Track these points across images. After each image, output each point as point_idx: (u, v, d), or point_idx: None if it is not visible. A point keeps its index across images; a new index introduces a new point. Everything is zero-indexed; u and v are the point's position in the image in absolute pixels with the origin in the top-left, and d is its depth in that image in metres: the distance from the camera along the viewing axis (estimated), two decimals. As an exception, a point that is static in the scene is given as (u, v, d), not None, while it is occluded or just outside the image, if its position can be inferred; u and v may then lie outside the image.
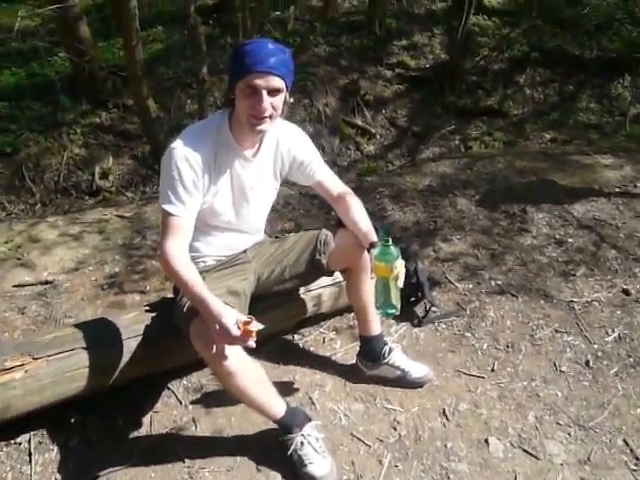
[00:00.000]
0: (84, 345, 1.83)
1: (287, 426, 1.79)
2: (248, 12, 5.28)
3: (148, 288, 2.76)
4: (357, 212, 1.97)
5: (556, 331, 2.46)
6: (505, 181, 3.81)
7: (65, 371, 1.79)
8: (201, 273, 1.90)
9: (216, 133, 1.77)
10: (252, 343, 1.54)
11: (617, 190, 3.69)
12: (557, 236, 3.15)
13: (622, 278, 2.81)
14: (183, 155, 1.69)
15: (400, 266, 1.74)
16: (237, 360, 1.63)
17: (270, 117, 1.68)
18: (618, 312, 2.58)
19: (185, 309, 1.76)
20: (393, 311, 1.80)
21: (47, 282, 2.80)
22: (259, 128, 1.69)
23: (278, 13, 7.14)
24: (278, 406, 1.80)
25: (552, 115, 7.43)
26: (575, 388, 2.16)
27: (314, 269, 2.04)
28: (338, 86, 6.91)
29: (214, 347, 1.59)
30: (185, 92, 6.40)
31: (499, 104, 7.47)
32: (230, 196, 1.86)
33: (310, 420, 1.84)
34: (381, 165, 6.55)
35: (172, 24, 7.10)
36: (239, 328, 1.52)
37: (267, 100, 1.63)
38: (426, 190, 3.70)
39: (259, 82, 1.61)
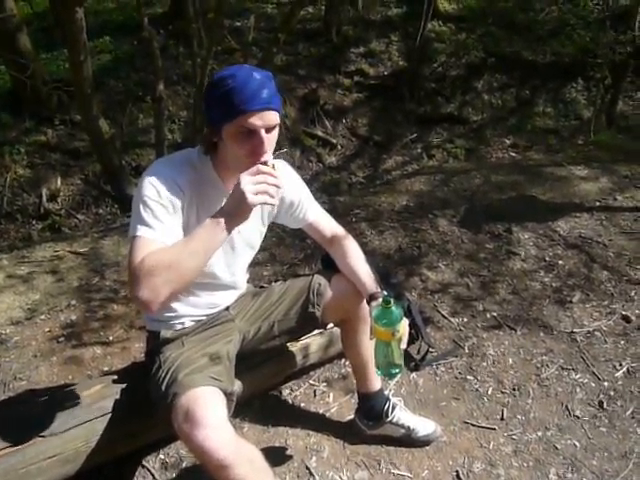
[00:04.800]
0: (40, 433, 1.53)
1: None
2: (202, 22, 5.00)
3: (111, 338, 2.45)
4: (355, 257, 1.73)
5: (562, 368, 2.29)
6: (484, 198, 3.65)
7: (19, 467, 1.48)
8: (179, 337, 1.65)
9: (197, 169, 1.49)
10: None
11: (598, 204, 3.59)
12: (547, 258, 3.00)
13: (619, 303, 2.67)
14: (164, 176, 1.41)
15: (403, 328, 1.51)
16: (232, 449, 1.35)
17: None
18: (622, 342, 2.43)
19: (164, 386, 1.48)
20: (396, 371, 1.57)
21: (-8, 337, 2.46)
22: None
23: (238, 23, 6.85)
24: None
25: (510, 120, 7.43)
26: (593, 436, 1.98)
27: (307, 323, 1.79)
28: (297, 96, 6.69)
29: (205, 435, 1.32)
30: (137, 106, 6.06)
31: (458, 110, 7.42)
32: None
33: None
34: (344, 177, 6.37)
35: (121, 34, 6.72)
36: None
37: (266, 139, 1.37)
38: (404, 211, 3.51)
39: (256, 122, 1.34)
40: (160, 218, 1.37)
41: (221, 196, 1.52)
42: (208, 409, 1.35)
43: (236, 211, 1.31)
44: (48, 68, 6.13)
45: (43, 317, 2.60)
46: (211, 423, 1.33)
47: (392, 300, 1.48)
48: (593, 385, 2.21)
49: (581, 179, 3.98)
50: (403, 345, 1.53)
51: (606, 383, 2.21)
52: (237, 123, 1.34)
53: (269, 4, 7.83)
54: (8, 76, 5.80)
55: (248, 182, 1.29)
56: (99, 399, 1.65)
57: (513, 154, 6.75)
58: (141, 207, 1.37)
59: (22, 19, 5.72)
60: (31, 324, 2.56)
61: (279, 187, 1.34)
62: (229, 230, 1.32)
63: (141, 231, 1.35)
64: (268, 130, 1.37)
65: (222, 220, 1.31)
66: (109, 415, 1.63)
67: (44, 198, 5.40)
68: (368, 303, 1.65)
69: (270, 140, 1.39)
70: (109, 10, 7.38)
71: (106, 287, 2.81)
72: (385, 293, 1.59)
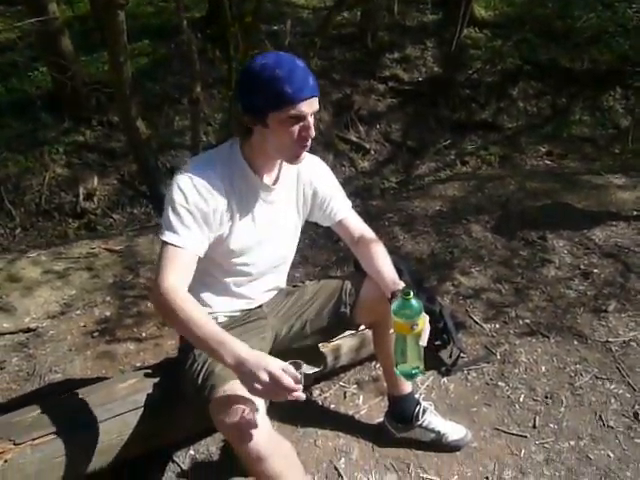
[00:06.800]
0: (76, 424, 1.56)
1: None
2: (239, 26, 5.05)
3: (144, 335, 2.49)
4: (379, 259, 1.72)
5: (596, 377, 2.24)
6: (519, 205, 3.60)
7: (54, 457, 1.51)
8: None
9: (229, 162, 1.53)
10: (302, 394, 1.27)
11: (635, 213, 3.51)
12: (582, 266, 2.94)
13: (656, 313, 2.61)
14: (191, 182, 1.45)
15: (422, 323, 1.48)
16: (269, 443, 1.36)
17: None
18: (659, 353, 2.38)
19: (201, 380, 1.50)
20: (415, 372, 1.54)
21: (29, 330, 2.52)
22: (303, 155, 1.50)
23: (275, 28, 6.93)
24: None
25: (546, 128, 7.32)
26: (627, 447, 1.94)
27: (339, 323, 1.80)
28: (331, 101, 6.72)
29: (243, 426, 1.33)
30: (173, 108, 6.15)
31: (493, 117, 7.35)
32: (250, 230, 1.59)
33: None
34: (377, 182, 6.36)
35: (159, 37, 6.84)
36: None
37: (312, 124, 1.43)
38: (437, 216, 3.49)
39: (306, 109, 1.40)
40: (186, 224, 1.43)
41: (253, 186, 1.57)
42: (246, 401, 1.37)
43: (237, 362, 1.26)
44: (87, 70, 6.27)
45: (78, 312, 2.66)
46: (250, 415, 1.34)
47: (412, 292, 1.45)
48: (628, 396, 2.16)
49: (618, 187, 3.90)
50: (423, 342, 1.49)
51: (642, 394, 2.16)
52: (287, 111, 1.38)
53: (305, 9, 7.88)
54: (49, 77, 5.94)
55: (270, 385, 1.23)
56: (133, 393, 1.68)
57: (548, 162, 6.66)
58: (170, 211, 1.44)
59: (64, 22, 5.85)
60: (66, 318, 2.62)
61: (289, 396, 1.25)
62: (226, 356, 1.28)
63: (168, 237, 1.42)
64: (312, 115, 1.43)
65: (229, 350, 1.27)
66: (142, 409, 1.66)
67: (81, 197, 5.51)
68: (390, 302, 1.64)
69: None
70: (148, 14, 7.51)
71: (140, 284, 2.86)
72: (405, 285, 1.57)
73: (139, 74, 6.14)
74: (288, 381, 1.22)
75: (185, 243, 1.42)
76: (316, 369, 1.25)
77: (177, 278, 1.40)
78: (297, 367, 1.28)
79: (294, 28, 6.68)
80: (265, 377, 1.22)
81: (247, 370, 1.24)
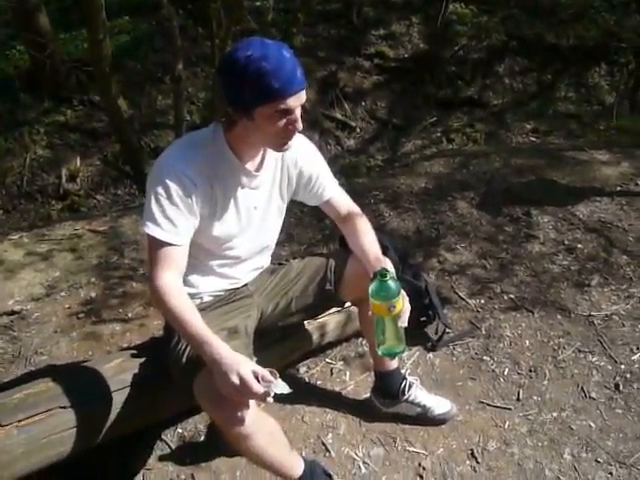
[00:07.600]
0: (62, 404, 1.55)
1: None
2: (221, 2, 4.97)
3: (129, 315, 2.49)
4: (365, 236, 1.72)
5: (579, 351, 2.28)
6: (504, 181, 3.61)
7: (41, 437, 1.50)
8: (197, 312, 1.66)
9: (212, 147, 1.50)
10: (271, 399, 1.31)
11: (619, 189, 3.53)
12: (566, 242, 2.97)
13: (638, 287, 2.63)
14: (174, 170, 1.42)
15: (401, 304, 1.47)
16: (253, 420, 1.39)
17: None
18: (639, 326, 2.41)
19: (185, 359, 1.51)
20: (396, 351, 1.55)
21: (13, 312, 2.50)
22: (288, 146, 1.47)
23: (258, 3, 6.82)
24: (296, 466, 1.57)
25: (532, 105, 7.32)
26: (608, 417, 1.98)
27: (324, 300, 1.81)
28: (316, 78, 6.65)
29: (227, 405, 1.35)
30: (155, 87, 6.07)
31: (479, 94, 7.33)
32: (233, 218, 1.58)
33: (330, 477, 1.63)
34: (363, 160, 6.34)
35: (139, 14, 6.71)
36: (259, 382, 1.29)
37: (299, 116, 1.40)
38: (423, 193, 3.49)
39: (294, 103, 1.35)
40: (172, 217, 1.42)
41: (236, 173, 1.54)
42: None
43: (214, 361, 1.31)
44: (66, 48, 6.15)
45: (63, 294, 2.64)
46: None
47: (389, 274, 1.44)
48: (609, 368, 2.20)
49: (602, 163, 3.91)
50: (402, 323, 1.50)
51: (623, 366, 2.20)
52: (274, 106, 1.34)
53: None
54: (27, 56, 5.82)
55: (239, 387, 1.28)
56: (119, 372, 1.68)
57: (534, 139, 6.68)
58: (153, 203, 1.43)
59: (41, -1, 5.71)
60: (51, 300, 2.60)
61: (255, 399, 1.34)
62: (206, 354, 1.33)
63: (155, 232, 1.43)
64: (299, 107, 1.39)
65: (209, 349, 1.33)
66: (128, 388, 1.66)
67: (63, 178, 5.44)
68: (371, 280, 1.63)
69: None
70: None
71: (125, 265, 2.84)
72: (384, 267, 1.55)
73: (119, 52, 6.03)
74: (257, 387, 1.27)
75: (173, 239, 1.43)
76: (285, 391, 1.31)
77: (170, 275, 1.44)
78: (273, 376, 1.32)
79: (277, 4, 6.57)
80: (236, 379, 1.27)
81: (222, 370, 1.29)
